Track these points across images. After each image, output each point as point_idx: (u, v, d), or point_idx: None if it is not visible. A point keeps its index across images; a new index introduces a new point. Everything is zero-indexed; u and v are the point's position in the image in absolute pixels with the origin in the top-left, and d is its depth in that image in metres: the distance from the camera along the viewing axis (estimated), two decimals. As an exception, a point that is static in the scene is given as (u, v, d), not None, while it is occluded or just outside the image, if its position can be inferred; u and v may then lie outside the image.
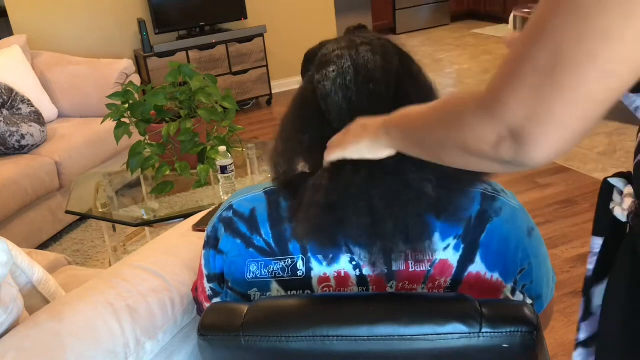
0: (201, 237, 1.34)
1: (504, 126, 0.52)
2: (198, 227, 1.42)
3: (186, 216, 1.83)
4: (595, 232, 0.81)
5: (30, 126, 2.95)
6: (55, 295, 1.29)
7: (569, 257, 2.44)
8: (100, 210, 2.37)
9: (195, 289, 1.03)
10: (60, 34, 4.29)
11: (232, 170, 2.25)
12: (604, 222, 0.79)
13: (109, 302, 1.10)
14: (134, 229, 2.56)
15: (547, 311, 0.93)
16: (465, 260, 0.82)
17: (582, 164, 3.21)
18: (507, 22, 4.71)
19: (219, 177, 2.26)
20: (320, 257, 0.84)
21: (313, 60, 0.89)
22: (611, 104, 0.49)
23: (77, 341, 1.03)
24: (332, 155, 0.79)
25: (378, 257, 0.80)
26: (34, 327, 1.04)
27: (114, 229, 2.58)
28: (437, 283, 0.83)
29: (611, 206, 0.76)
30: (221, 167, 2.23)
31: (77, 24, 4.35)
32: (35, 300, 1.24)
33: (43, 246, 2.90)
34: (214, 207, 1.58)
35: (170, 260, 1.25)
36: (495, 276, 0.83)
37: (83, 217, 2.99)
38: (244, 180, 2.49)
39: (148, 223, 2.29)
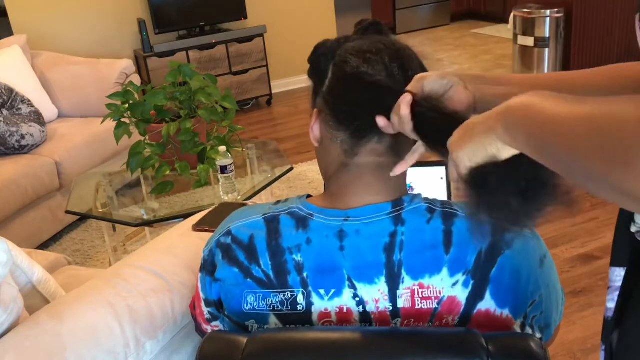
0: (201, 237, 1.34)
1: None
2: (198, 227, 1.42)
3: (186, 216, 1.83)
4: (615, 262, 0.70)
5: (30, 126, 2.95)
6: (55, 295, 1.29)
7: (569, 257, 2.45)
8: (100, 210, 2.37)
9: (193, 307, 0.99)
10: (60, 34, 4.29)
11: (232, 170, 2.25)
12: (625, 250, 0.67)
13: (109, 302, 1.10)
14: (134, 229, 2.56)
15: (554, 333, 0.91)
16: (475, 297, 0.78)
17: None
18: (507, 22, 4.70)
19: (219, 177, 2.26)
20: (321, 291, 0.81)
21: (328, 56, 0.85)
22: None
23: (77, 341, 1.03)
24: (458, 163, 0.64)
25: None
26: (34, 327, 1.04)
27: (114, 229, 2.58)
28: (444, 321, 0.79)
29: (633, 229, 0.67)
30: (221, 167, 2.23)
31: (77, 24, 4.35)
32: (35, 300, 1.24)
33: (43, 246, 2.90)
34: (214, 207, 1.58)
35: (170, 260, 1.25)
36: (505, 313, 0.79)
37: (83, 217, 2.99)
38: (244, 180, 2.50)
39: (148, 223, 2.29)
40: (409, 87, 0.77)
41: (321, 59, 0.86)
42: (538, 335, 0.84)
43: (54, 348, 1.00)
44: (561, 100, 0.51)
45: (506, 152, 0.59)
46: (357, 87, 0.81)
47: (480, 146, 0.60)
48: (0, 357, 0.97)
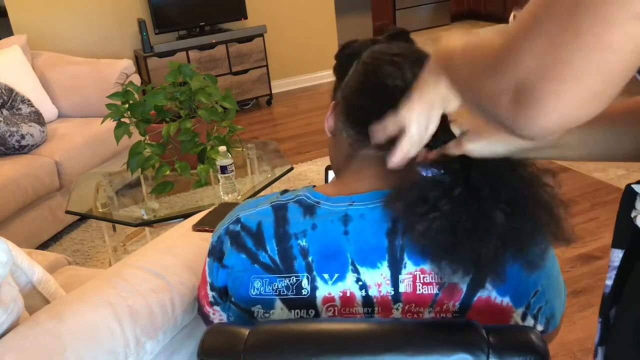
0: (201, 237, 1.34)
1: (510, 78, 0.48)
2: (198, 227, 1.42)
3: (186, 216, 1.83)
4: (615, 244, 0.74)
5: (30, 126, 2.95)
6: (55, 295, 1.29)
7: (569, 257, 2.45)
8: (100, 210, 2.37)
9: (199, 291, 1.02)
10: (60, 34, 4.29)
11: (232, 170, 2.25)
12: (624, 233, 0.72)
13: (109, 302, 1.10)
14: (134, 229, 2.56)
15: (559, 323, 0.92)
16: (475, 284, 0.79)
17: (582, 164, 3.21)
18: (507, 22, 4.70)
19: (219, 177, 2.26)
20: (325, 275, 0.82)
21: (353, 56, 0.89)
22: (631, 65, 0.43)
23: (77, 341, 1.03)
24: (404, 118, 0.75)
25: (449, 276, 0.77)
26: (34, 327, 1.04)
27: (114, 229, 2.58)
28: (444, 307, 0.80)
29: (633, 214, 0.70)
30: (221, 167, 2.23)
31: (77, 24, 4.35)
32: (35, 300, 1.24)
33: (43, 246, 2.90)
34: (214, 207, 1.58)
35: (170, 260, 1.25)
36: (506, 301, 0.80)
37: (83, 217, 2.99)
38: (244, 180, 2.50)
39: (148, 223, 2.29)
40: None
41: (346, 57, 0.91)
42: (541, 327, 0.85)
43: (54, 348, 1.00)
44: (465, 39, 0.64)
45: (453, 102, 0.71)
46: (369, 93, 0.85)
47: (425, 93, 0.73)
48: (0, 357, 0.97)
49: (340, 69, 0.92)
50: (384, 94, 0.82)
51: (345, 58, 0.91)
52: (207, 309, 0.98)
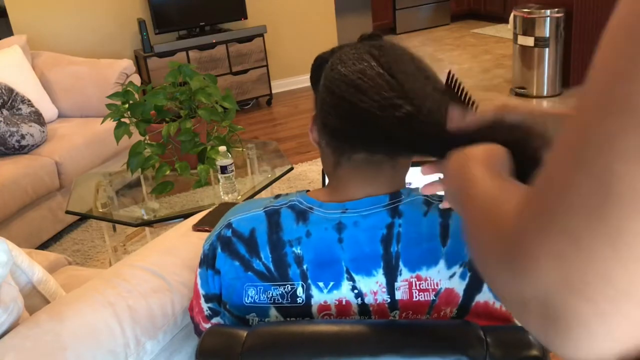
0: (201, 237, 1.34)
1: (531, 292, 0.34)
2: (198, 227, 1.42)
3: (186, 216, 1.83)
4: None
5: (30, 126, 2.95)
6: (55, 295, 1.29)
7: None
8: (100, 210, 2.37)
9: (191, 308, 1.00)
10: (60, 34, 4.29)
11: (232, 170, 2.25)
12: None
13: (109, 302, 1.10)
14: (134, 229, 2.56)
15: None
16: (472, 289, 0.79)
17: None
18: (507, 22, 4.71)
19: (219, 177, 2.26)
20: (320, 284, 0.81)
21: (323, 66, 0.86)
22: None
23: (77, 341, 1.03)
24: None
25: None
26: (34, 327, 1.04)
27: (114, 229, 2.58)
28: (442, 313, 0.80)
29: None
30: (221, 167, 2.23)
31: (77, 24, 4.35)
32: (35, 300, 1.24)
33: (43, 246, 2.90)
34: (214, 207, 1.58)
35: (170, 260, 1.25)
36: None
37: (83, 217, 2.99)
38: (244, 180, 2.50)
39: (148, 223, 2.29)
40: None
41: (317, 68, 0.89)
42: None
43: (54, 348, 1.00)
44: (488, 170, 0.55)
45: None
46: (333, 95, 0.80)
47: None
48: (0, 357, 0.97)
49: (314, 82, 0.90)
50: (347, 88, 0.77)
51: (316, 69, 0.89)
52: (204, 325, 0.95)
